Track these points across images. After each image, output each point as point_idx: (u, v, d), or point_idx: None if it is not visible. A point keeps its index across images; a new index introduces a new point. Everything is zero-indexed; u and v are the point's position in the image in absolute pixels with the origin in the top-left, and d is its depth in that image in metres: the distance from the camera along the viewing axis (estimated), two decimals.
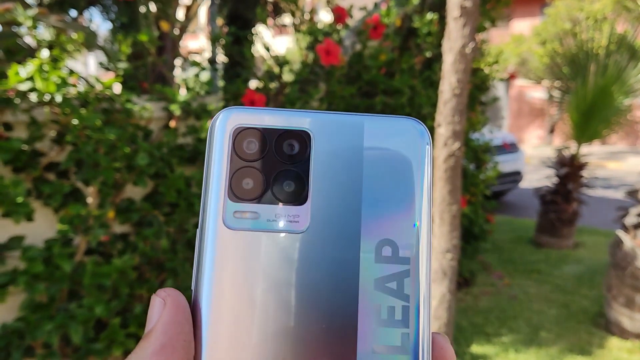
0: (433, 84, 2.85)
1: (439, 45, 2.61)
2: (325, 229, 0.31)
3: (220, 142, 0.32)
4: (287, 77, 2.45)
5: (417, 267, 0.31)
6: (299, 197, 0.31)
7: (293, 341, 0.29)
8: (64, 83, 1.69)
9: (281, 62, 2.38)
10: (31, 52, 1.99)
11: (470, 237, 3.54)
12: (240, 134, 0.32)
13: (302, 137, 0.32)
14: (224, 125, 0.32)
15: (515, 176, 6.15)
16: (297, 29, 2.66)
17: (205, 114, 2.09)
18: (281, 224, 0.31)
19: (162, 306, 0.29)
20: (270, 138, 0.32)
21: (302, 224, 0.31)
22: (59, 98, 1.68)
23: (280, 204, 0.31)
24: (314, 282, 0.30)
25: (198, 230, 0.31)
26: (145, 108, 1.93)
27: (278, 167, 0.32)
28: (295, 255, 0.30)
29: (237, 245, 0.30)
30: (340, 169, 0.32)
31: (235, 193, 0.31)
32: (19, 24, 1.97)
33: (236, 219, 0.31)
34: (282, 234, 0.31)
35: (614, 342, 2.76)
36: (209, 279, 0.30)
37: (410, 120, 0.33)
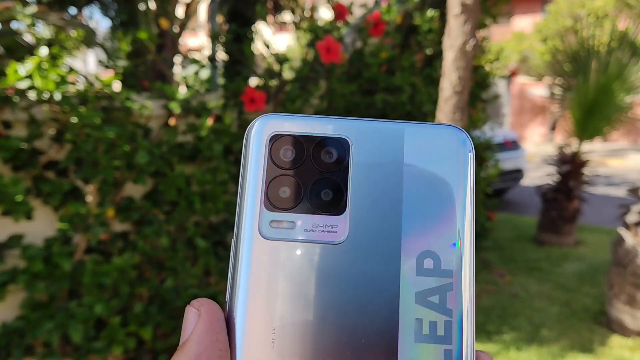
0: (434, 82, 2.84)
1: (440, 42, 2.60)
2: (365, 240, 0.30)
3: (256, 150, 0.31)
4: (288, 74, 2.44)
5: (459, 281, 0.29)
6: (337, 207, 0.31)
7: (331, 355, 0.28)
8: (63, 81, 1.68)
9: (281, 59, 2.37)
10: (30, 50, 1.99)
11: None
12: (277, 141, 0.31)
13: (341, 145, 0.31)
14: (260, 133, 0.32)
15: (517, 174, 6.14)
16: (297, 26, 2.65)
17: (205, 111, 2.08)
18: (319, 234, 0.30)
19: (197, 316, 0.28)
20: (308, 145, 0.32)
21: (340, 235, 0.30)
22: (58, 96, 1.67)
23: (318, 213, 0.31)
24: (352, 294, 0.29)
25: (233, 240, 0.31)
26: (145, 106, 1.92)
27: (316, 176, 0.31)
28: (333, 267, 0.30)
29: (274, 255, 0.30)
30: (380, 178, 0.31)
31: (271, 202, 0.31)
32: (18, 21, 1.96)
33: (272, 229, 0.30)
34: (320, 245, 0.30)
35: (615, 339, 2.76)
36: (244, 289, 0.29)
37: (452, 129, 0.32)
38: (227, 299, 0.30)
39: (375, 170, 0.31)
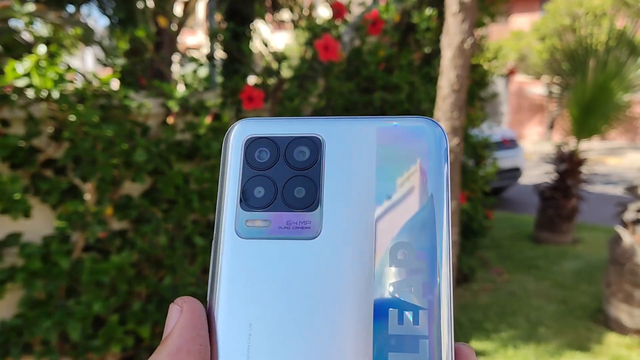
0: (432, 80, 2.84)
1: (438, 41, 2.60)
2: (339, 234, 0.30)
3: (232, 153, 0.33)
4: (286, 73, 2.44)
5: (435, 270, 0.29)
6: (310, 203, 0.31)
7: (307, 349, 0.29)
8: (61, 79, 1.68)
9: (280, 58, 2.37)
10: (28, 48, 1.98)
11: (469, 233, 3.54)
12: (252, 143, 0.33)
13: (313, 143, 0.32)
14: (237, 136, 0.33)
15: (515, 172, 6.15)
16: (295, 24, 2.65)
17: (203, 110, 2.08)
18: (292, 230, 0.31)
19: (179, 313, 0.29)
20: (281, 146, 0.32)
21: (314, 230, 0.31)
22: (56, 94, 1.67)
23: (292, 210, 0.31)
24: (327, 288, 0.29)
25: (213, 240, 0.32)
26: (143, 104, 1.92)
27: (289, 174, 0.32)
28: (308, 262, 0.30)
29: (250, 254, 0.31)
30: (354, 173, 0.31)
31: (247, 202, 0.32)
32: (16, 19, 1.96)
33: (248, 228, 0.31)
34: (294, 241, 0.31)
35: (612, 338, 2.77)
36: (222, 287, 0.30)
37: (425, 121, 0.32)
38: (207, 298, 0.31)
39: (348, 166, 0.32)
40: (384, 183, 0.31)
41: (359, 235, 0.30)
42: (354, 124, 0.32)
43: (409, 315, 0.29)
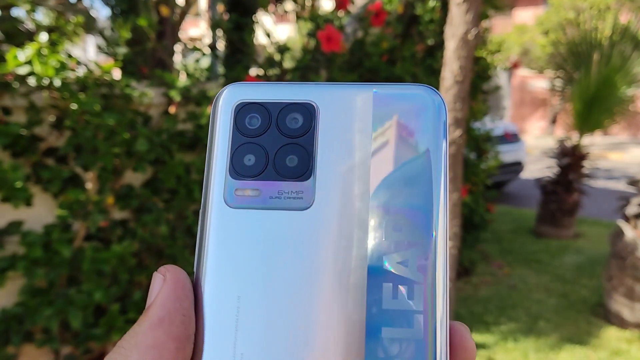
0: (435, 72, 2.83)
1: (441, 32, 2.59)
2: (332, 205, 0.29)
3: (222, 119, 0.31)
4: (288, 64, 2.43)
5: (431, 244, 0.28)
6: (302, 173, 0.30)
7: (298, 321, 0.28)
8: (62, 67, 1.67)
9: (282, 49, 2.36)
10: (30, 36, 1.98)
11: (470, 226, 3.54)
12: (242, 109, 0.31)
13: (307, 110, 0.31)
14: (226, 101, 0.31)
15: (517, 166, 6.13)
16: (298, 15, 2.64)
17: (205, 100, 2.08)
18: (284, 201, 0.30)
19: (162, 282, 0.28)
20: (274, 112, 0.31)
21: (306, 201, 0.29)
22: (57, 82, 1.66)
23: (284, 180, 0.30)
24: (319, 260, 0.28)
25: (200, 210, 0.30)
26: (145, 94, 1.91)
27: (281, 142, 0.31)
28: (299, 233, 0.29)
29: (239, 223, 0.29)
30: (348, 142, 0.30)
31: (236, 170, 0.30)
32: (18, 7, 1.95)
33: (237, 197, 0.30)
34: (286, 212, 0.29)
35: (612, 332, 2.77)
36: (210, 258, 0.29)
37: (423, 88, 0.31)
38: (194, 269, 0.30)
39: (343, 134, 0.30)
40: (380, 152, 0.30)
41: (353, 206, 0.29)
42: (349, 90, 0.31)
43: (403, 289, 0.28)
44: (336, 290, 0.28)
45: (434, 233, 0.29)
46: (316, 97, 0.31)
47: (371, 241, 0.29)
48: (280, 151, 0.31)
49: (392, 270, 0.28)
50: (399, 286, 0.28)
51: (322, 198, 0.29)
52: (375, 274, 0.28)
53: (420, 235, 0.29)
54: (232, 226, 0.29)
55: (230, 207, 0.30)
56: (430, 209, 0.29)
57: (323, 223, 0.29)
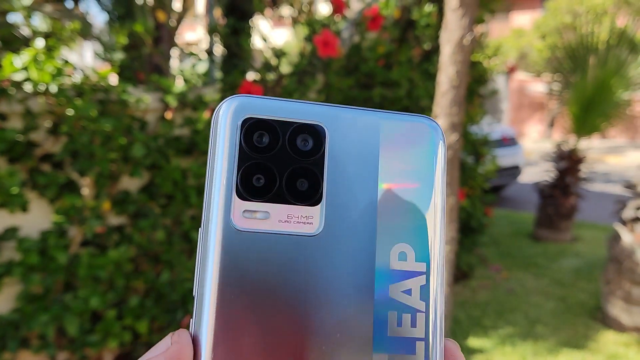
0: (431, 77, 2.83)
1: (438, 37, 2.60)
2: (340, 232, 0.29)
3: (228, 134, 0.29)
4: (285, 68, 2.43)
5: (432, 273, 0.29)
6: (313, 197, 0.29)
7: (305, 349, 0.28)
8: (59, 73, 1.67)
9: (279, 53, 2.37)
10: (26, 42, 1.98)
11: (468, 230, 3.53)
12: (250, 125, 0.29)
13: (317, 132, 0.30)
14: (232, 115, 0.29)
15: (514, 170, 6.14)
16: (295, 20, 2.64)
17: (201, 105, 2.08)
18: (294, 225, 0.29)
19: (169, 344, 0.27)
20: (283, 131, 0.30)
21: (315, 226, 0.29)
22: (54, 88, 1.66)
23: (294, 203, 0.29)
24: (327, 288, 0.28)
25: (201, 231, 0.29)
26: (142, 99, 1.91)
27: (291, 164, 0.29)
28: (308, 259, 0.28)
29: (247, 247, 0.28)
30: (355, 168, 0.30)
31: (244, 190, 0.29)
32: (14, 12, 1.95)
33: (245, 219, 0.28)
34: (295, 237, 0.28)
35: (610, 335, 2.77)
36: (215, 282, 0.27)
37: (425, 120, 0.31)
38: (194, 294, 0.28)
39: (350, 160, 0.30)
40: (386, 181, 0.30)
41: (361, 234, 0.29)
42: (357, 115, 0.31)
43: (407, 318, 0.29)
44: (343, 317, 0.28)
45: (434, 262, 0.30)
46: (325, 119, 0.30)
47: (377, 270, 0.29)
48: (291, 173, 0.29)
49: (397, 299, 0.29)
50: (403, 314, 0.29)
51: (330, 224, 0.29)
52: (381, 301, 0.29)
53: (423, 265, 0.29)
54: (240, 250, 0.28)
55: (237, 229, 0.28)
56: (433, 238, 0.30)
57: (331, 249, 0.29)
